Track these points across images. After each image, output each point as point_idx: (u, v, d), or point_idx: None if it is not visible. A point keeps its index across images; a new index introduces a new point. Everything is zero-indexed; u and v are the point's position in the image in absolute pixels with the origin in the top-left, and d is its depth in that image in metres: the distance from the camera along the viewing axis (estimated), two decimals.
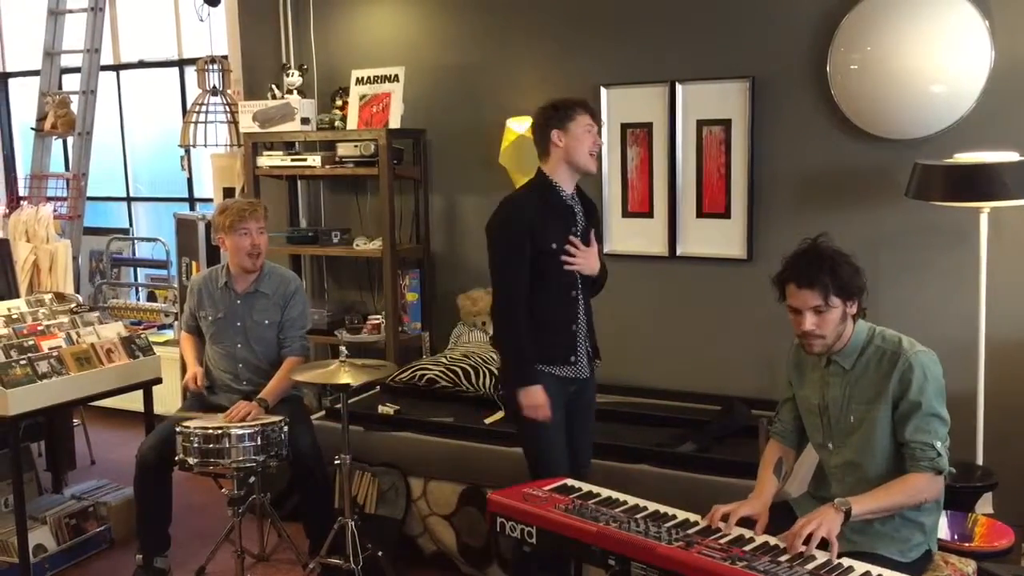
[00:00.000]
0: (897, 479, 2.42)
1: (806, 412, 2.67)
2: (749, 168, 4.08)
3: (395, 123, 4.66)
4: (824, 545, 2.30)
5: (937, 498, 2.47)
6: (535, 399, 3.00)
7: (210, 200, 5.87)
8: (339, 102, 4.95)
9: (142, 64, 6.34)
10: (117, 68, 6.38)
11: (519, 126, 4.40)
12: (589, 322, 3.19)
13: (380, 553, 3.52)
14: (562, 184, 3.09)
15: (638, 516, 2.53)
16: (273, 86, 5.01)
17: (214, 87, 5.13)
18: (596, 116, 3.09)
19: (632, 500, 2.66)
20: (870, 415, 2.48)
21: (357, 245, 4.87)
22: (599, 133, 3.10)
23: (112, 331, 4.11)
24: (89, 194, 6.08)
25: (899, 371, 2.43)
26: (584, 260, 3.08)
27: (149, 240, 6.31)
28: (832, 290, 2.43)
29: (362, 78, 4.78)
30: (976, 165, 3.37)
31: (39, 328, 4.00)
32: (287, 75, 4.96)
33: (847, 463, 2.54)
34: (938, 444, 2.40)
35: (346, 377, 3.34)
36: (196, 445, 3.35)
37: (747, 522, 2.47)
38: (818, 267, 2.45)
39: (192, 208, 6.20)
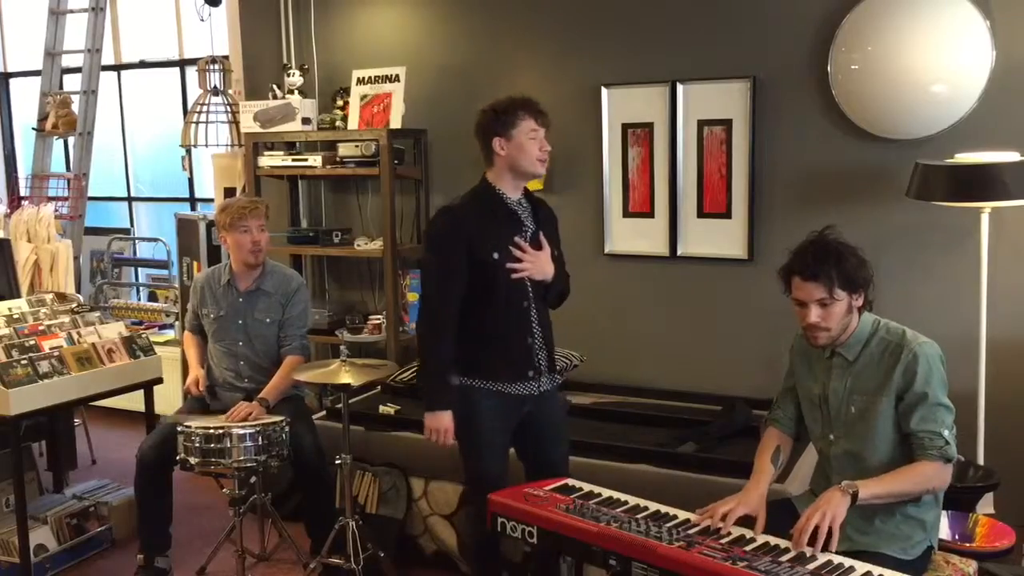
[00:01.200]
0: (906, 466, 2.42)
1: (806, 402, 2.67)
2: (750, 168, 4.08)
3: (396, 123, 4.67)
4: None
5: (944, 487, 2.47)
6: (440, 423, 2.92)
7: (211, 200, 5.88)
8: (340, 102, 4.95)
9: (143, 64, 6.35)
10: (118, 68, 6.39)
11: None
12: (546, 334, 3.03)
13: (381, 553, 3.53)
14: (506, 191, 2.95)
15: (639, 516, 2.53)
16: (274, 86, 5.01)
17: (215, 87, 5.13)
18: (542, 117, 2.93)
19: (633, 500, 2.66)
20: (872, 406, 2.48)
21: (358, 245, 4.87)
22: (546, 135, 2.93)
23: (113, 331, 4.12)
24: (90, 194, 6.09)
25: (903, 363, 2.44)
26: (533, 264, 2.92)
27: (150, 240, 6.32)
28: (837, 283, 2.43)
29: (363, 78, 4.78)
30: (977, 165, 3.37)
31: (40, 328, 4.00)
32: (288, 75, 4.96)
33: (847, 453, 2.54)
34: (945, 432, 2.40)
35: (347, 377, 3.34)
36: (197, 445, 3.35)
37: (746, 520, 2.47)
38: (823, 260, 2.44)
39: (193, 208, 6.21)
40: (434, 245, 2.95)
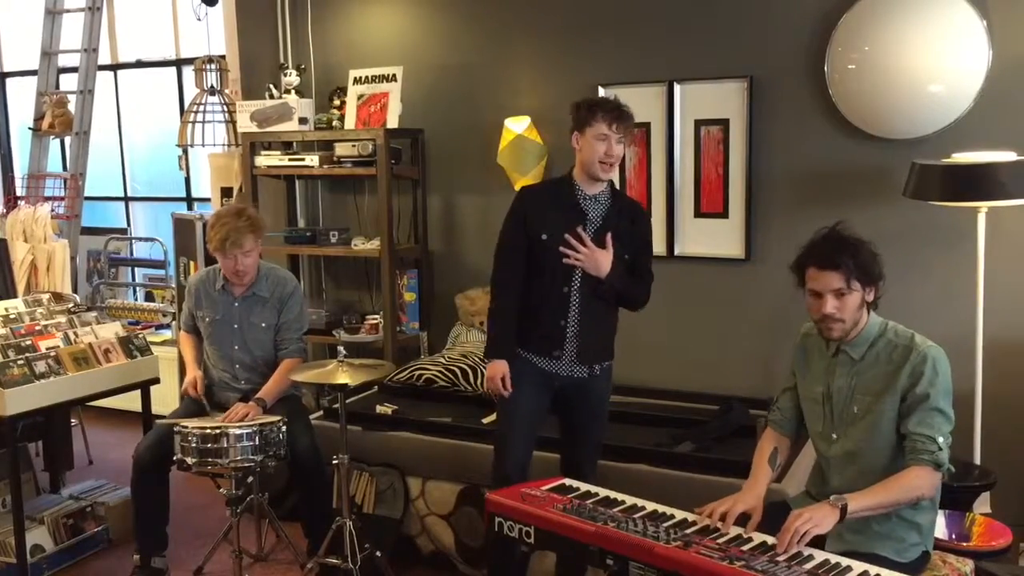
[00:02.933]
0: (894, 475, 2.42)
1: (809, 401, 2.67)
2: (747, 168, 4.08)
3: (393, 123, 4.66)
4: (818, 542, 2.30)
5: (933, 495, 2.47)
6: (493, 371, 3.12)
7: (208, 200, 5.87)
8: (337, 102, 4.95)
9: (140, 64, 6.34)
10: (115, 68, 6.38)
11: (517, 126, 4.40)
12: (589, 324, 3.11)
13: (378, 553, 3.52)
14: (581, 184, 3.09)
15: (636, 516, 2.53)
16: (271, 86, 5.01)
17: (212, 87, 5.13)
18: (617, 121, 3.00)
19: (630, 500, 2.66)
20: (876, 407, 2.48)
21: (355, 245, 4.87)
22: (621, 140, 3.01)
23: (110, 331, 4.11)
24: (87, 194, 6.07)
25: (911, 364, 2.44)
26: (588, 258, 3.02)
27: (147, 240, 6.31)
28: (854, 273, 2.45)
29: (360, 78, 4.77)
30: (974, 165, 3.37)
31: (37, 328, 3.99)
32: (285, 75, 4.95)
33: (847, 453, 2.55)
34: (940, 439, 2.40)
35: (344, 377, 3.34)
36: (194, 445, 3.35)
37: (742, 518, 2.47)
38: (840, 250, 2.46)
39: (190, 208, 6.20)
40: (506, 217, 3.19)
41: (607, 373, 3.25)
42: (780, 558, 2.24)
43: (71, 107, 5.98)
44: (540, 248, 3.07)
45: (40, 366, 3.70)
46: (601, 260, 3.04)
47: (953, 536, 2.96)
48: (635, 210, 3.23)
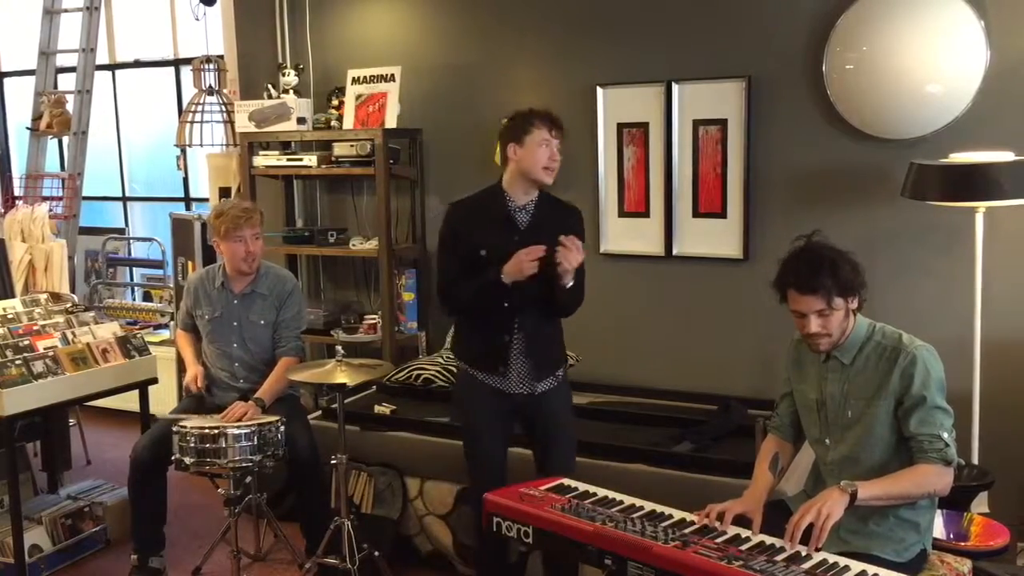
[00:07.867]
0: (906, 468, 2.42)
1: (804, 407, 2.67)
2: (745, 168, 4.08)
3: (391, 123, 4.66)
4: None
5: (945, 491, 2.47)
6: (514, 264, 2.96)
7: (206, 200, 5.87)
8: (335, 102, 4.95)
9: (138, 64, 6.34)
10: (113, 67, 6.38)
11: None
12: (535, 338, 3.10)
13: (376, 553, 3.53)
14: (513, 194, 3.09)
15: (634, 516, 2.53)
16: (269, 85, 5.00)
17: (210, 87, 5.12)
18: (555, 128, 3.04)
19: (628, 500, 2.66)
20: (870, 411, 2.48)
21: (353, 245, 4.87)
22: (559, 147, 3.04)
23: (108, 331, 4.11)
24: (85, 194, 6.06)
25: (900, 367, 2.44)
26: (566, 254, 2.94)
27: (145, 240, 6.31)
28: (835, 292, 2.43)
29: (358, 77, 4.77)
30: (972, 165, 3.37)
31: (35, 328, 3.99)
32: (283, 74, 4.95)
33: (844, 458, 2.55)
34: (945, 435, 2.40)
35: (342, 377, 3.34)
36: (193, 445, 3.35)
37: (743, 520, 2.47)
38: (818, 270, 2.43)
39: (188, 208, 6.20)
40: (439, 239, 3.20)
41: (563, 383, 3.22)
42: (779, 557, 2.24)
43: (69, 107, 5.97)
44: (480, 265, 3.03)
45: (38, 366, 3.70)
46: (576, 254, 2.97)
47: (951, 536, 2.96)
48: (566, 212, 3.20)
